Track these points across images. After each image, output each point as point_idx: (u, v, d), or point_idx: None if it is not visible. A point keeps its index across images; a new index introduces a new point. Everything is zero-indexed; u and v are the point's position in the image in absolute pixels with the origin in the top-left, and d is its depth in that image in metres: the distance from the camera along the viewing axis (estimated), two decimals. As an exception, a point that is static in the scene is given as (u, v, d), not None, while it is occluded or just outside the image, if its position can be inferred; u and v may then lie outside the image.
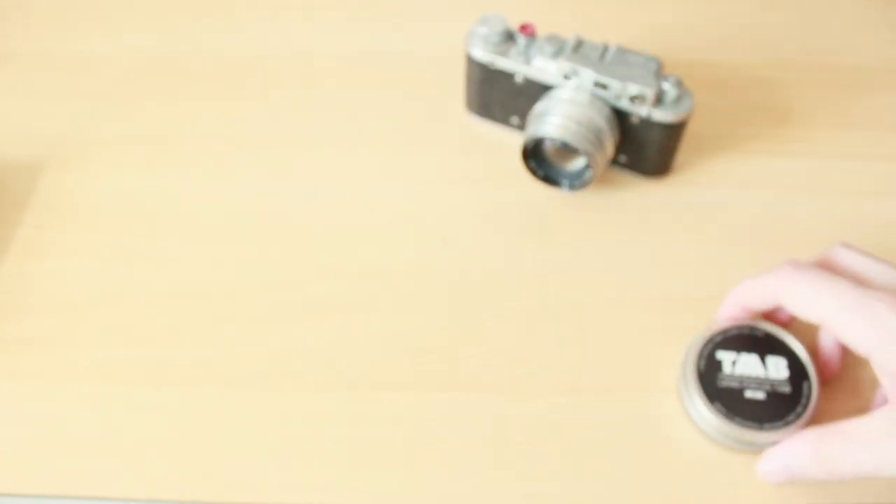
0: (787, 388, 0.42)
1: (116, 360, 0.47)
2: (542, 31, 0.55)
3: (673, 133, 0.52)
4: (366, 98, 0.60)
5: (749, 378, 0.43)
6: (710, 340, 0.44)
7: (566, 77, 0.52)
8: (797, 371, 0.43)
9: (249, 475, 0.43)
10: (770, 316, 0.46)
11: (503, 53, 0.54)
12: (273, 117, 0.59)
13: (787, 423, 0.41)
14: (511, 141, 0.57)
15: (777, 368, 0.43)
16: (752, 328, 0.45)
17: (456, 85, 0.60)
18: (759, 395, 0.42)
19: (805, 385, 0.43)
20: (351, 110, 0.60)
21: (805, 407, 0.42)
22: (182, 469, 0.43)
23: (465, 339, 0.47)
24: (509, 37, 0.54)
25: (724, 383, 0.43)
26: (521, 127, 0.57)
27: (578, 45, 0.52)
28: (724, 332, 0.45)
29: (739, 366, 0.43)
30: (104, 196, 0.55)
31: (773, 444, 0.41)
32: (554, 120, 0.51)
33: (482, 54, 0.54)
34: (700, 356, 0.44)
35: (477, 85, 0.56)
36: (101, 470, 0.43)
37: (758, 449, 0.42)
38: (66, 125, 0.59)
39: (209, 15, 0.67)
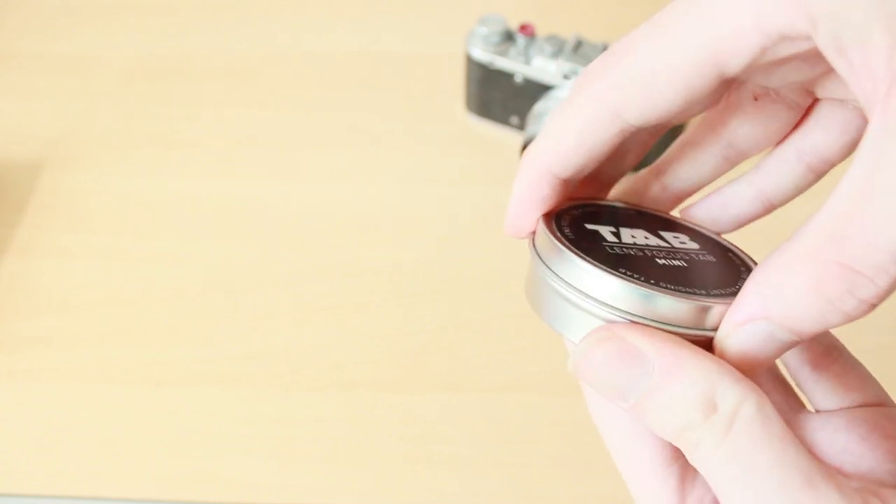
0: (710, 257, 0.26)
1: (116, 360, 0.47)
2: (541, 31, 0.55)
3: (672, 132, 0.52)
4: (365, 98, 0.60)
5: (651, 247, 0.25)
6: (559, 216, 0.25)
7: (566, 77, 0.52)
8: (711, 243, 0.27)
9: (249, 475, 0.43)
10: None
11: (503, 53, 0.54)
12: (273, 117, 0.59)
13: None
14: (511, 141, 0.57)
15: (682, 241, 0.27)
16: (604, 205, 0.27)
17: (456, 85, 0.60)
18: (677, 263, 0.25)
19: (733, 254, 0.27)
20: (351, 110, 0.60)
21: (753, 265, 0.26)
22: (181, 469, 0.43)
23: (465, 339, 0.47)
24: (509, 37, 0.54)
25: (615, 251, 0.25)
26: (521, 127, 0.57)
27: (578, 45, 0.53)
28: (569, 209, 0.26)
29: (626, 237, 0.26)
30: (104, 196, 0.55)
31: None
32: (554, 120, 0.51)
33: (482, 54, 0.54)
34: (558, 228, 0.25)
35: (477, 85, 0.56)
36: (101, 470, 0.43)
37: (701, 334, 0.23)
38: (66, 125, 0.59)
39: (208, 16, 0.67)
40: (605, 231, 0.25)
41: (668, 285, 0.23)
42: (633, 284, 0.22)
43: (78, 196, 0.55)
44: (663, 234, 0.26)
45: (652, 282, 0.23)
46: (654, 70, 0.21)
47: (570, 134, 0.23)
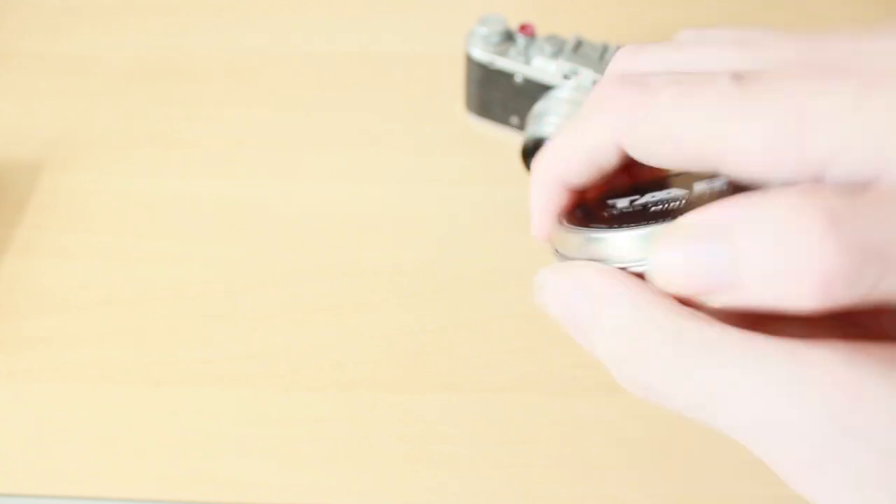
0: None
1: (116, 360, 0.47)
2: (541, 31, 0.55)
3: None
4: (365, 98, 0.60)
5: (657, 200, 0.24)
6: (578, 207, 0.26)
7: (566, 77, 0.52)
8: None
9: (249, 475, 0.43)
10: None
11: (503, 53, 0.54)
12: (273, 117, 0.59)
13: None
14: (511, 141, 0.57)
15: (713, 186, 0.24)
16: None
17: (456, 85, 0.60)
18: (672, 205, 0.23)
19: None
20: (351, 110, 0.60)
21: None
22: (181, 469, 0.43)
23: (465, 339, 0.47)
24: (509, 37, 0.54)
25: (612, 213, 0.24)
26: (521, 127, 0.57)
27: (578, 45, 0.53)
28: (603, 195, 0.26)
29: (644, 199, 0.24)
30: (104, 196, 0.55)
31: None
32: (553, 120, 0.51)
33: (482, 54, 0.54)
34: (570, 213, 0.26)
35: (477, 85, 0.56)
36: (101, 470, 0.43)
37: None
38: (66, 125, 0.59)
39: (208, 15, 0.67)
40: (625, 201, 0.25)
41: (629, 224, 0.22)
42: (580, 230, 0.23)
43: (78, 196, 0.55)
44: (696, 185, 0.24)
45: (609, 224, 0.23)
46: (667, 135, 0.21)
47: (580, 155, 0.24)
